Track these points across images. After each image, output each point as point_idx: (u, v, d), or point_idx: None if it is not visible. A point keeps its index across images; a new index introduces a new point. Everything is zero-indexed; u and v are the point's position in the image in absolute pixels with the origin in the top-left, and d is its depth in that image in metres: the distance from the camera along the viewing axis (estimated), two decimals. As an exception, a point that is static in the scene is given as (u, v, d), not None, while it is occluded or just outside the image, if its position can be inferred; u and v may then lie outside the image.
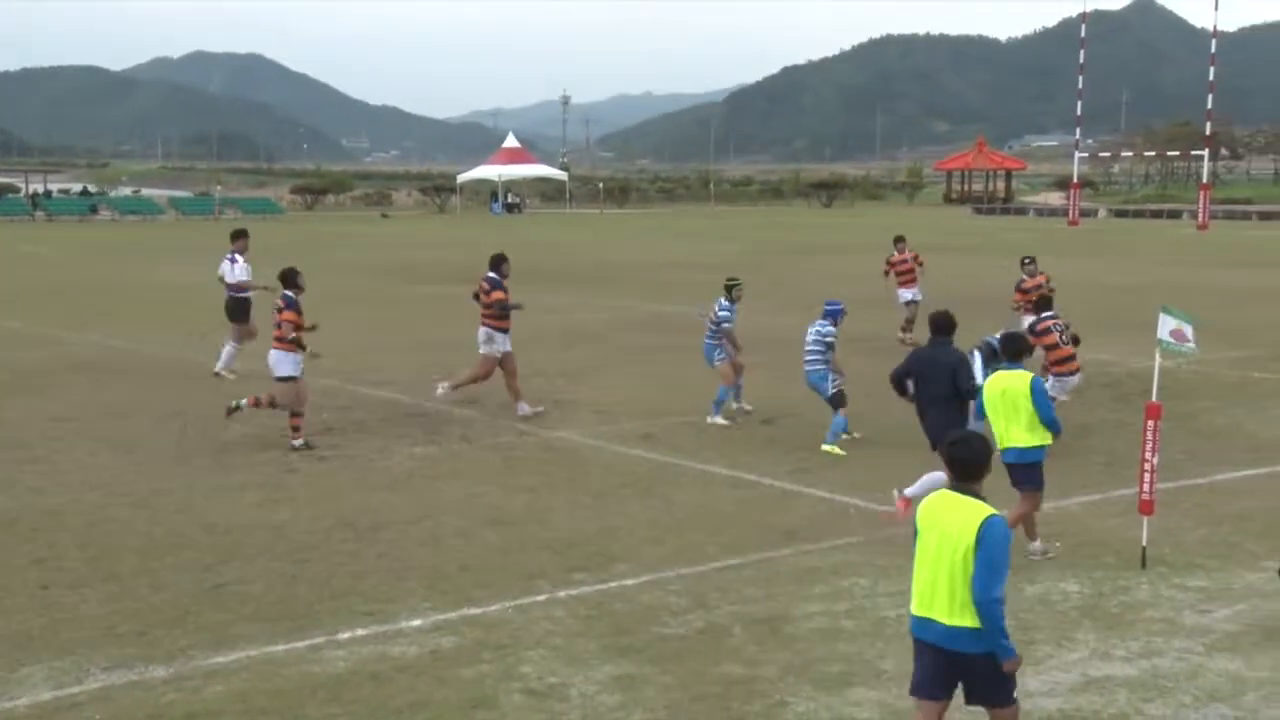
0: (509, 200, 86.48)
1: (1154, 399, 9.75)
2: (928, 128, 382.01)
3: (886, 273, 22.82)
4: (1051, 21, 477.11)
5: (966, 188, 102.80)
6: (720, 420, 14.90)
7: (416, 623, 8.53)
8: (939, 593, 5.70)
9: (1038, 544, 9.86)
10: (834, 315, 13.67)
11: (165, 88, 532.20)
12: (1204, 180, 71.39)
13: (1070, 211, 72.27)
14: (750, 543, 10.28)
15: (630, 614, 8.70)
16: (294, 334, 13.53)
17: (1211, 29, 69.29)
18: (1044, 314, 13.99)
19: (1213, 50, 67.13)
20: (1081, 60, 71.67)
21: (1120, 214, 79.58)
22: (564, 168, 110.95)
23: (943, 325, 10.74)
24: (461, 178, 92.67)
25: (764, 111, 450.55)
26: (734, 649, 8.06)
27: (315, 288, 19.23)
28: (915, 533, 5.87)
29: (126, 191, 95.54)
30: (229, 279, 18.51)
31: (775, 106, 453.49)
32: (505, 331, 15.54)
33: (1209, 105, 69.33)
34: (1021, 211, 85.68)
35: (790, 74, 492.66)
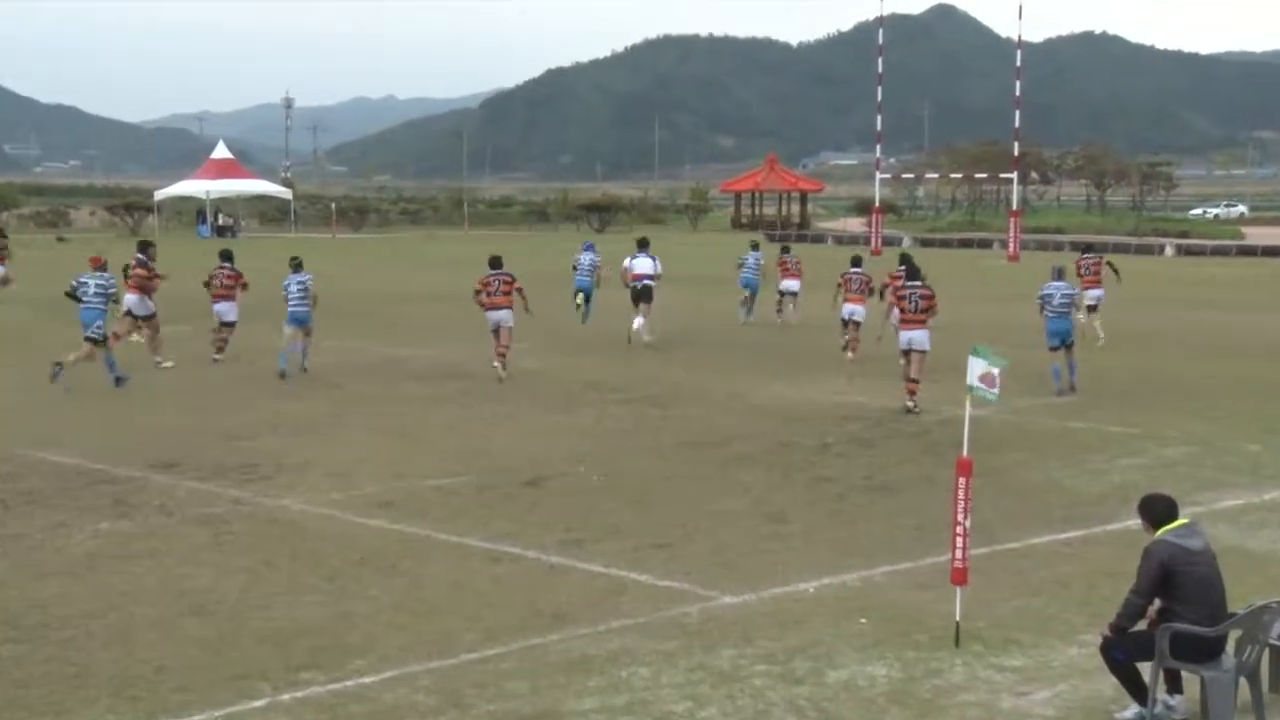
0: (219, 222, 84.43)
1: (965, 453, 10.15)
2: (712, 143, 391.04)
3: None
4: (846, 25, 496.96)
5: (758, 211, 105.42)
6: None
7: (101, 741, 8.14)
8: None
9: None
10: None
11: None
12: (1014, 206, 75.03)
13: (873, 240, 74.26)
14: (512, 628, 10.22)
15: (370, 718, 8.51)
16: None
17: (1016, 39, 73.02)
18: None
19: (1018, 63, 70.78)
20: (880, 69, 74.45)
21: (927, 243, 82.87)
22: (287, 184, 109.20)
23: None
24: (160, 194, 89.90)
25: (525, 121, 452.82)
26: (494, 757, 7.97)
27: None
28: None
29: None
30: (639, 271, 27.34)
31: (538, 115, 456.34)
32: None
33: (1016, 123, 72.84)
34: (820, 239, 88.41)
35: (555, 78, 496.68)
